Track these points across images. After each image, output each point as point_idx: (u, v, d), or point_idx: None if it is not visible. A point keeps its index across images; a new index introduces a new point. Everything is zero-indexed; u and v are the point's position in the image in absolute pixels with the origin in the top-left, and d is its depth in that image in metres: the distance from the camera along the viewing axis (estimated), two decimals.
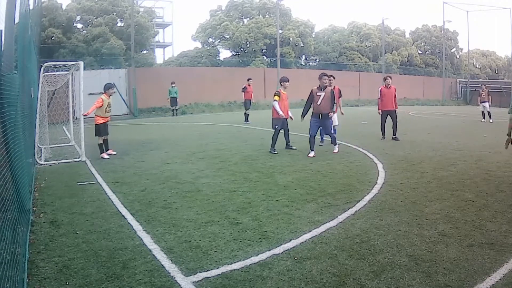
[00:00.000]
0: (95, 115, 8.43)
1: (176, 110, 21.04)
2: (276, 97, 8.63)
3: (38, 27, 14.56)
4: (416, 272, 3.04)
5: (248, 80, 16.25)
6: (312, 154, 8.13)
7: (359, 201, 4.94)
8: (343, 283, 2.92)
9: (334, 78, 9.62)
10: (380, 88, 10.49)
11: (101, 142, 8.50)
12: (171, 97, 20.69)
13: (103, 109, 8.36)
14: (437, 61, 41.05)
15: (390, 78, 10.64)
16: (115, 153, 8.77)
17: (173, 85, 20.69)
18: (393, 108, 10.34)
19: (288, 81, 8.91)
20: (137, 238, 3.82)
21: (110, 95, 8.58)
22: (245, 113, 16.03)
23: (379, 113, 10.52)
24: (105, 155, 8.41)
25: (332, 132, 8.66)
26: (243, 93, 16.10)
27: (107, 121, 8.59)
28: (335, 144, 8.59)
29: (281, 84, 8.92)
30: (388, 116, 10.40)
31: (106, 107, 8.42)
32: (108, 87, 8.56)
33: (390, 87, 10.35)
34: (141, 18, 26.30)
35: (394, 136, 10.35)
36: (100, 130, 8.44)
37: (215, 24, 32.74)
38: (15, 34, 3.96)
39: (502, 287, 2.83)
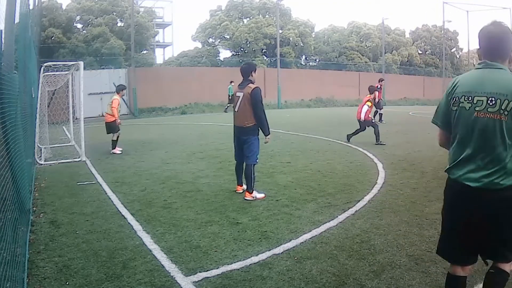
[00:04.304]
0: (106, 113, 8.93)
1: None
2: (369, 103, 9.52)
3: (38, 27, 14.58)
4: (416, 272, 3.04)
5: (380, 81, 15.51)
6: (240, 189, 5.36)
7: (359, 201, 4.94)
8: (343, 283, 2.92)
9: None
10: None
11: (115, 138, 8.85)
12: (231, 94, 21.06)
13: (117, 108, 8.87)
14: (437, 61, 40.99)
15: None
16: (120, 150, 9.06)
17: (232, 83, 20.82)
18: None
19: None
20: (137, 238, 3.82)
21: (122, 96, 9.11)
22: (379, 113, 15.47)
23: None
24: (117, 151, 8.78)
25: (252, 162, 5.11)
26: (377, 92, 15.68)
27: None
28: (251, 189, 5.11)
29: None
30: None
31: (119, 107, 9.00)
32: (121, 88, 9.07)
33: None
34: (141, 18, 26.28)
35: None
36: (114, 126, 8.76)
37: (215, 24, 32.70)
38: (15, 34, 3.97)
39: None
